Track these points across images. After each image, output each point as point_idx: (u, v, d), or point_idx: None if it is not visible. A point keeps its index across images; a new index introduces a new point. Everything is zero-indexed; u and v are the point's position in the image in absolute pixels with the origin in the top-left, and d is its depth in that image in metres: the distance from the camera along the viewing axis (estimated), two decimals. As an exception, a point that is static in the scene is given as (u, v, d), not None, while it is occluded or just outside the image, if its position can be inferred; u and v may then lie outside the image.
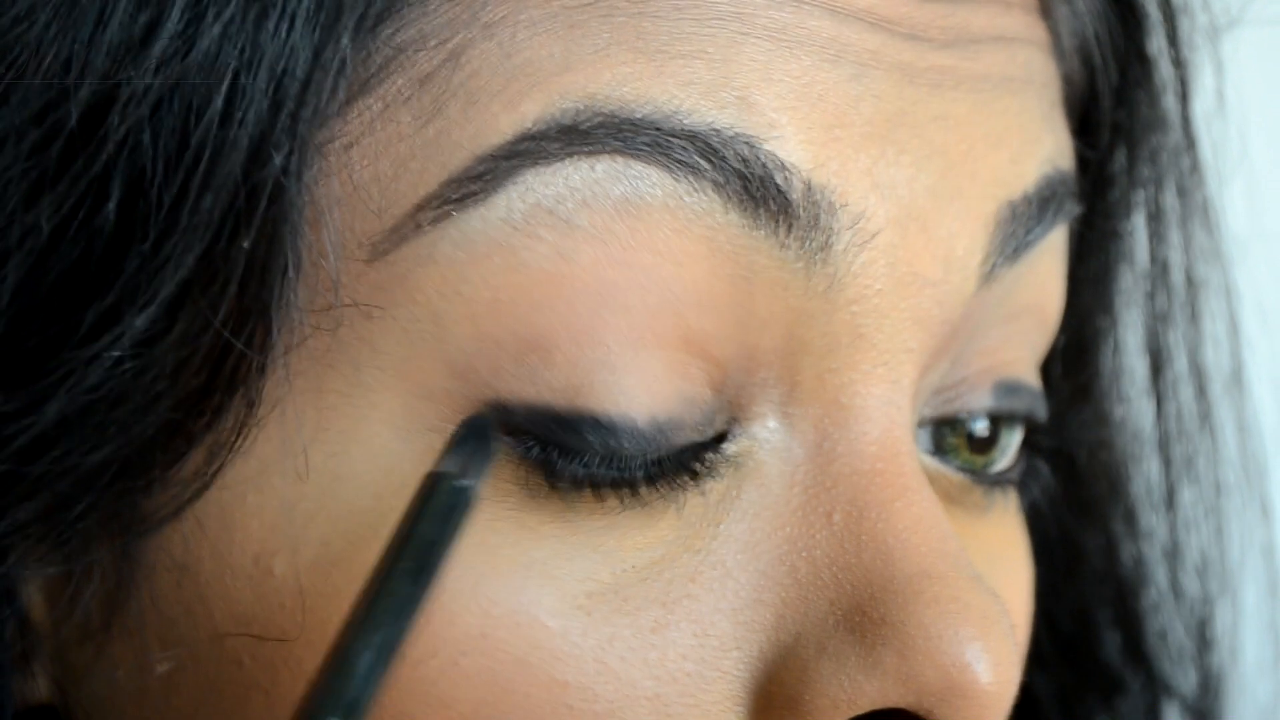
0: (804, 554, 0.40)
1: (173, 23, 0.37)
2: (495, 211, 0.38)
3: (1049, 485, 0.55)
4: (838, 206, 0.39)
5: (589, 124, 0.37)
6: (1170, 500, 0.56)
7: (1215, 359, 0.56)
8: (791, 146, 0.39)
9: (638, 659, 0.39)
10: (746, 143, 0.38)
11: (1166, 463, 0.55)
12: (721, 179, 0.38)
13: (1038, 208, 0.43)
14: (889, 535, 0.40)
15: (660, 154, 0.38)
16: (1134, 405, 0.55)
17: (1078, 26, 0.47)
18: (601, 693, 0.38)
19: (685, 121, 0.38)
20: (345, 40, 0.37)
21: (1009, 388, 0.45)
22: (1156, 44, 0.49)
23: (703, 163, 0.38)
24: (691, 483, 0.40)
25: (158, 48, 0.37)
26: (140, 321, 0.37)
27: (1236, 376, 0.56)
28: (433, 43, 0.38)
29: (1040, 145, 0.43)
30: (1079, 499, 0.56)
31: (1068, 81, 0.47)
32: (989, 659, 0.39)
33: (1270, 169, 0.55)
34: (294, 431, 0.38)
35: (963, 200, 0.41)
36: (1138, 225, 0.52)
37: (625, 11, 0.38)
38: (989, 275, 0.42)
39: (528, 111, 0.37)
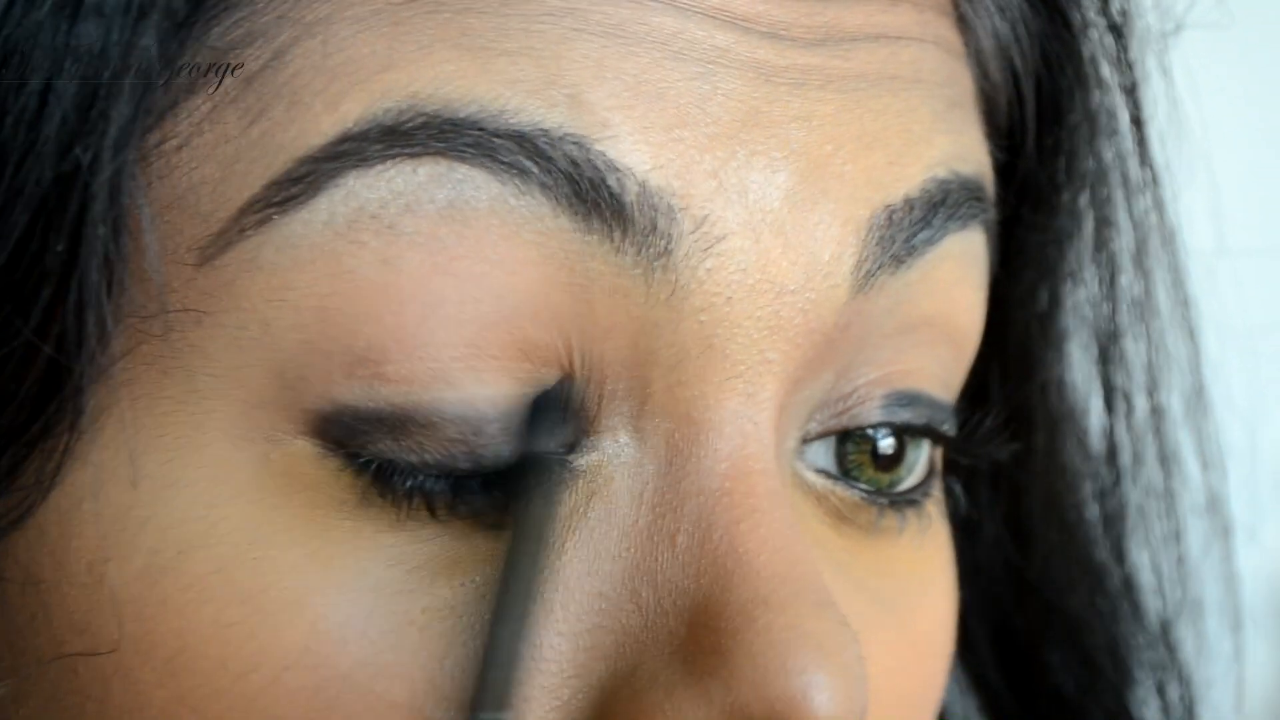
0: (647, 578, 0.38)
1: None
2: (318, 215, 0.37)
3: (990, 506, 0.53)
4: (677, 210, 0.37)
5: (411, 124, 0.36)
6: (1125, 527, 0.54)
7: (1173, 380, 0.54)
8: (626, 147, 0.37)
9: (471, 682, 0.37)
10: (576, 143, 0.37)
11: (1117, 484, 0.53)
12: (550, 181, 0.37)
13: (923, 212, 0.41)
14: (729, 558, 0.38)
15: (485, 156, 0.36)
16: (1083, 424, 0.53)
17: (995, 27, 0.45)
18: (433, 715, 0.37)
19: (511, 121, 0.36)
20: (153, 39, 0.36)
21: (904, 398, 0.43)
22: (1090, 46, 0.47)
23: (530, 164, 0.37)
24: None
25: None
26: None
27: (1196, 396, 0.54)
28: (259, 42, 0.37)
29: (928, 147, 0.41)
30: (1027, 521, 0.54)
31: (986, 83, 0.45)
32: (822, 694, 0.37)
33: (1225, 181, 0.53)
34: (129, 439, 0.37)
35: (828, 204, 0.39)
36: (1083, 239, 0.50)
37: (450, 8, 0.37)
38: (866, 283, 0.40)
39: (349, 111, 0.36)
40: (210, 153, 0.37)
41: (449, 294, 0.37)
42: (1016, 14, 0.46)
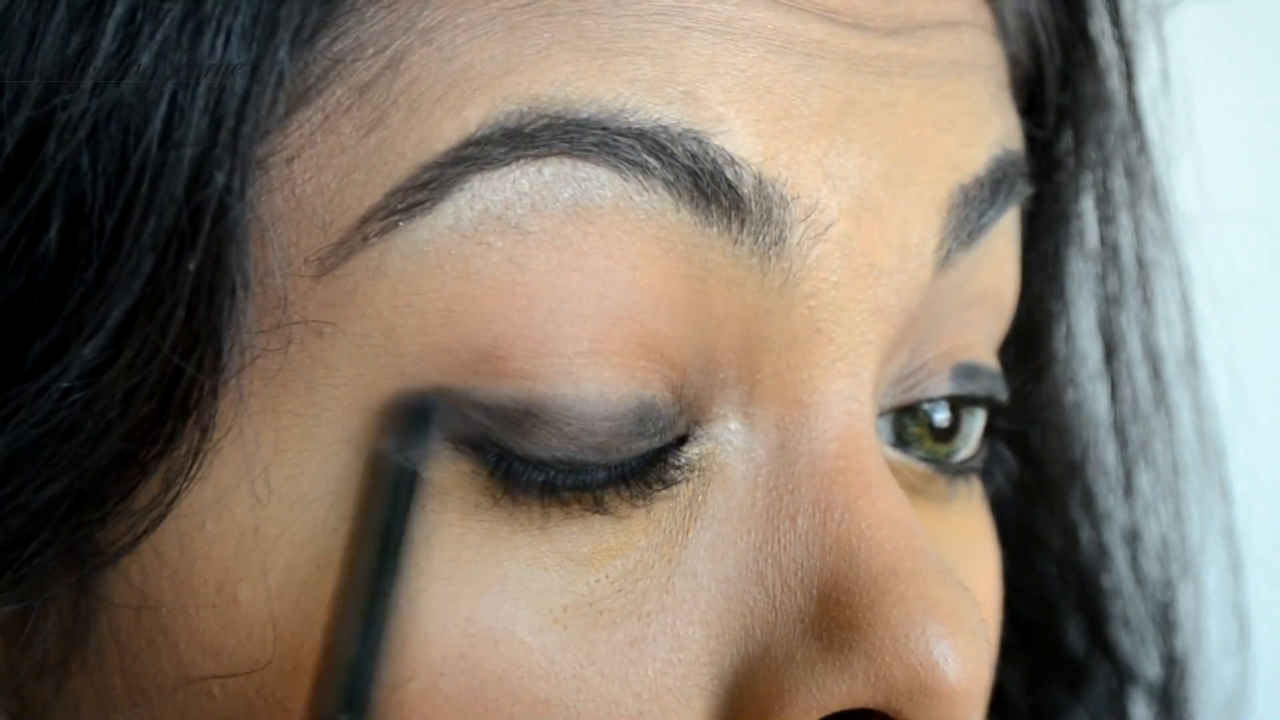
0: (771, 560, 0.39)
1: (107, 43, 0.36)
2: (443, 220, 0.37)
3: (1011, 468, 0.54)
4: (790, 199, 0.38)
5: (534, 126, 0.37)
6: (1128, 483, 0.56)
7: (1169, 340, 0.55)
8: (740, 140, 0.38)
9: (617, 675, 0.38)
10: (695, 138, 0.37)
11: (1123, 445, 0.55)
12: (671, 176, 0.37)
13: (989, 190, 0.42)
14: (853, 535, 0.39)
15: (608, 154, 0.37)
16: (1088, 388, 0.55)
17: (1021, 7, 0.47)
18: (584, 710, 0.38)
19: (632, 119, 0.37)
20: (283, 54, 0.36)
21: (968, 371, 0.44)
22: (1099, 25, 0.49)
23: (651, 161, 0.37)
24: (657, 488, 0.39)
25: (92, 70, 0.36)
26: (88, 351, 0.36)
27: (1191, 357, 0.56)
28: (370, 51, 0.37)
29: (989, 127, 0.42)
30: (1036, 484, 0.55)
31: (1014, 63, 0.47)
32: (957, 656, 0.38)
33: (1217, 148, 0.55)
34: (251, 455, 0.37)
35: (915, 186, 0.40)
36: (1086, 207, 0.52)
37: (565, 10, 0.37)
38: (945, 261, 0.41)
39: (471, 117, 0.37)
40: (325, 163, 0.37)
41: (575, 290, 0.37)
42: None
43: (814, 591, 0.39)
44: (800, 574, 0.39)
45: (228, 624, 0.38)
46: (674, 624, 0.39)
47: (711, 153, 0.38)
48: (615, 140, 0.37)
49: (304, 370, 0.37)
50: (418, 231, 0.37)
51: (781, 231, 0.38)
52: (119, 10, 0.36)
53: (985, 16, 0.44)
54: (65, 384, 0.36)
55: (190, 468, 0.37)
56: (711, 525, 0.39)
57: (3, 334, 0.36)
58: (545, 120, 0.37)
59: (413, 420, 0.37)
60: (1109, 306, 0.54)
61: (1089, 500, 0.56)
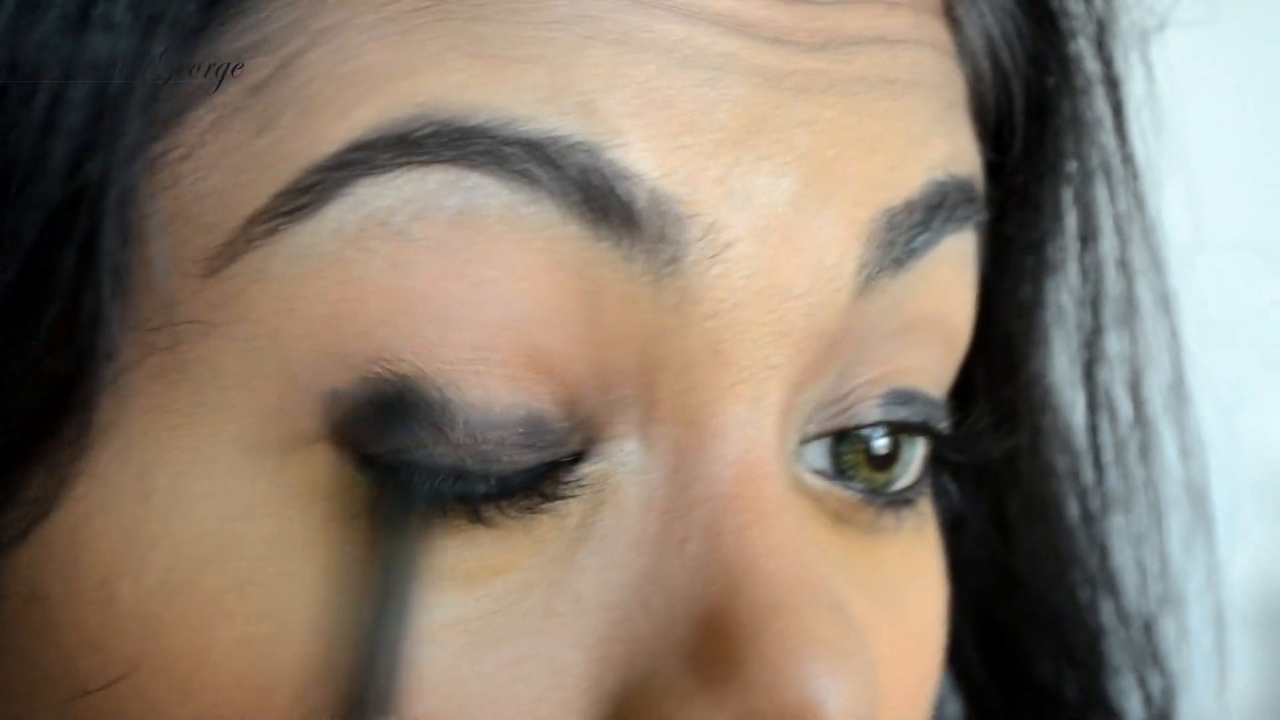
0: (658, 585, 0.38)
1: None
2: (327, 225, 0.36)
3: (974, 502, 0.53)
4: (686, 217, 0.37)
5: (422, 133, 0.36)
6: (1109, 520, 0.54)
7: (1154, 373, 0.54)
8: (635, 154, 0.37)
9: (490, 697, 0.37)
10: (586, 151, 0.37)
11: (1102, 481, 0.54)
12: (560, 189, 0.37)
13: (923, 214, 0.41)
14: (740, 565, 0.38)
15: (495, 164, 0.36)
16: (1066, 419, 0.53)
17: (986, 27, 0.45)
18: None
19: (522, 129, 0.36)
20: (166, 48, 0.35)
21: (901, 397, 0.43)
22: (1077, 45, 0.48)
23: (540, 172, 0.36)
24: (545, 506, 0.38)
25: None
26: None
27: (1177, 390, 0.54)
28: (265, 50, 0.36)
29: (927, 149, 0.41)
30: (1010, 517, 0.54)
31: (977, 83, 0.45)
32: (835, 698, 0.37)
33: (1208, 175, 0.53)
34: (137, 452, 0.37)
35: (833, 208, 0.39)
36: (1068, 234, 0.50)
37: (461, 16, 0.37)
38: (867, 285, 0.40)
39: (359, 121, 0.36)
40: (216, 163, 0.37)
41: (460, 298, 0.37)
42: (1006, 13, 0.46)
43: (697, 621, 0.38)
44: (686, 602, 0.38)
45: (107, 620, 0.37)
46: (554, 648, 0.38)
47: (603, 166, 0.37)
48: (503, 150, 0.36)
49: (192, 370, 0.37)
50: (301, 235, 0.36)
51: (677, 250, 0.37)
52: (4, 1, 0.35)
53: (935, 34, 0.43)
54: None
55: (75, 461, 0.37)
56: (601, 547, 0.38)
57: None
58: (433, 127, 0.36)
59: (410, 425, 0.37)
60: (1090, 336, 0.52)
61: (1067, 535, 0.54)
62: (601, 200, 0.37)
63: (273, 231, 0.36)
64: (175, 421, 0.37)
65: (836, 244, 0.39)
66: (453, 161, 0.36)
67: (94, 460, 0.37)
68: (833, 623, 0.38)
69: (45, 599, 0.38)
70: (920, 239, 0.41)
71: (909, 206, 0.40)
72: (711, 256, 0.38)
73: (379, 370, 0.37)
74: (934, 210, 0.41)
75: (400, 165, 0.36)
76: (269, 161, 0.36)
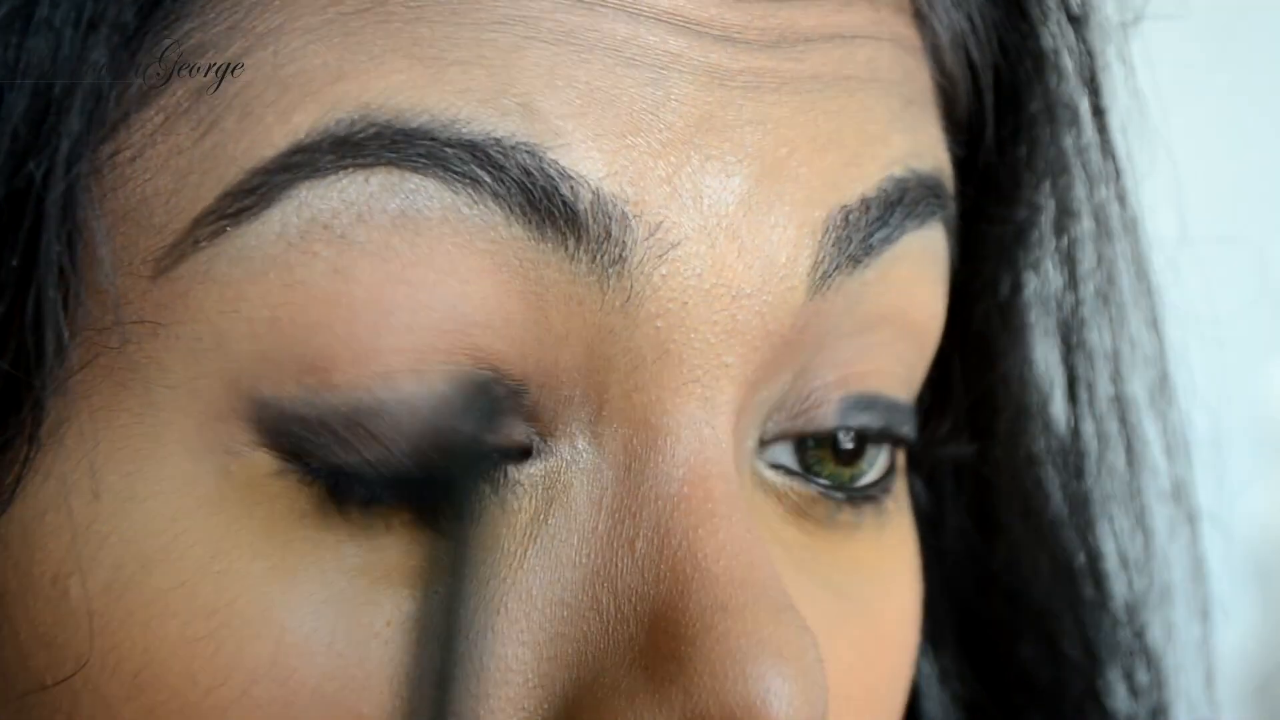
0: (607, 584, 0.38)
1: None
2: (270, 227, 0.37)
3: (954, 497, 0.53)
4: (631, 217, 0.37)
5: (362, 135, 0.36)
6: (1090, 512, 0.54)
7: (1137, 370, 0.54)
8: (579, 155, 0.37)
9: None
10: (529, 152, 0.37)
11: (1082, 473, 0.54)
12: (502, 191, 0.37)
13: (879, 211, 0.41)
14: (688, 564, 0.38)
15: (436, 166, 0.36)
16: (1046, 414, 0.53)
17: (953, 21, 0.45)
18: None
19: (463, 131, 0.36)
20: (103, 51, 0.36)
21: (862, 402, 0.43)
22: (1051, 38, 0.47)
23: (482, 174, 0.37)
24: (496, 505, 0.38)
25: None
26: None
27: (1161, 388, 0.54)
28: (210, 53, 0.37)
29: (885, 146, 0.41)
30: (991, 512, 0.54)
31: (945, 78, 0.45)
32: (780, 699, 0.37)
33: (1187, 171, 0.53)
34: (89, 451, 0.37)
35: (783, 207, 0.39)
36: (1044, 230, 0.50)
37: (401, 18, 0.37)
38: (823, 284, 0.40)
39: (300, 123, 0.36)
40: (163, 164, 0.37)
41: (401, 302, 0.37)
42: (973, 6, 0.45)
43: (645, 620, 0.38)
44: (634, 601, 0.38)
45: (59, 617, 0.38)
46: (503, 645, 0.38)
47: (546, 167, 0.37)
48: (444, 151, 0.36)
49: (141, 370, 0.37)
50: (245, 238, 0.37)
51: (622, 250, 0.38)
52: None
53: (896, 29, 0.42)
54: None
55: (25, 459, 0.37)
56: (551, 546, 0.39)
57: None
58: (374, 129, 0.36)
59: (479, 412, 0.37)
60: (1071, 331, 0.52)
61: (1049, 532, 0.54)
62: (544, 201, 0.37)
63: (218, 233, 0.36)
64: (124, 421, 0.37)
65: (788, 243, 0.39)
66: (394, 164, 0.36)
67: (48, 459, 0.37)
68: (779, 624, 0.38)
69: (2, 596, 0.38)
70: (878, 235, 0.41)
71: (865, 203, 0.40)
72: (658, 256, 0.38)
73: (317, 378, 0.37)
74: (892, 207, 0.41)
75: (342, 168, 0.36)
76: (213, 163, 0.37)
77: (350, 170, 0.36)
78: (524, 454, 0.39)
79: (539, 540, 0.39)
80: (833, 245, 0.40)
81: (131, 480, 0.37)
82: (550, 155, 0.37)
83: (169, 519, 0.37)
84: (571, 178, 0.37)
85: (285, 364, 0.37)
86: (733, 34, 0.39)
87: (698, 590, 0.38)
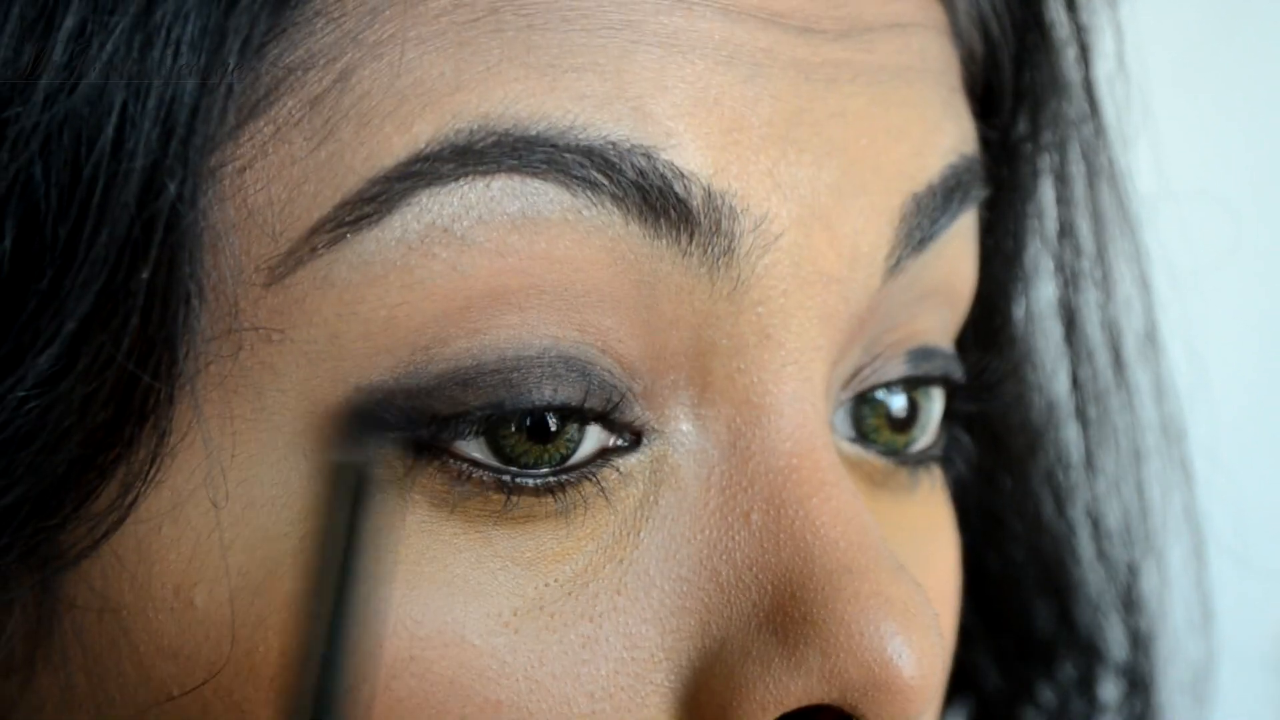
0: (724, 556, 0.40)
1: (58, 55, 0.36)
2: (390, 233, 0.37)
3: (970, 452, 0.54)
4: (739, 211, 0.39)
5: (483, 143, 0.37)
6: (1090, 464, 0.56)
7: (1128, 320, 0.55)
8: (690, 154, 0.38)
9: (570, 676, 0.38)
10: (644, 154, 0.38)
11: (1084, 426, 0.55)
12: (620, 192, 0.38)
13: (942, 198, 0.42)
14: (807, 532, 0.39)
15: (557, 171, 0.37)
16: (1048, 369, 0.55)
17: (976, 1, 0.47)
18: (536, 711, 0.38)
19: (580, 136, 0.37)
20: (231, 64, 0.36)
21: (922, 354, 0.45)
22: (1054, 10, 0.49)
23: (600, 177, 0.38)
24: (607, 490, 0.39)
25: (44, 81, 0.36)
26: (43, 361, 0.36)
27: (1150, 337, 0.56)
28: (320, 63, 0.37)
29: (942, 134, 0.43)
30: (997, 466, 0.56)
31: (968, 58, 0.47)
32: (912, 653, 0.39)
33: (1173, 130, 0.55)
34: (210, 459, 0.38)
35: (866, 196, 0.41)
36: (1044, 190, 0.52)
37: (514, 26, 0.38)
38: (895, 268, 0.42)
39: (420, 133, 0.37)
40: (276, 174, 0.37)
41: (515, 288, 0.38)
42: None
43: (768, 587, 0.39)
44: (754, 569, 0.39)
45: (185, 627, 0.38)
46: (627, 624, 0.39)
47: (660, 168, 0.38)
48: (564, 157, 0.37)
49: (253, 376, 0.38)
50: (364, 244, 0.37)
51: (730, 242, 0.39)
52: (69, 22, 0.36)
53: (934, 15, 0.44)
54: (21, 393, 0.36)
55: (148, 472, 0.37)
56: (664, 525, 0.40)
57: None
58: (494, 137, 0.37)
59: (359, 423, 0.37)
60: (1068, 287, 0.54)
61: (1051, 480, 0.56)
62: (660, 200, 0.38)
63: (337, 239, 0.37)
64: (239, 427, 0.38)
65: (871, 231, 0.41)
66: (515, 169, 0.37)
67: (165, 471, 0.38)
68: (901, 583, 0.39)
69: (118, 610, 0.38)
70: (941, 221, 0.42)
71: (931, 191, 0.42)
72: (763, 246, 0.39)
73: (426, 354, 0.37)
74: (952, 192, 0.43)
75: (463, 174, 0.37)
76: (330, 172, 0.37)
77: (471, 177, 0.37)
78: (635, 441, 0.40)
79: (651, 520, 0.40)
80: (905, 233, 0.42)
81: (249, 486, 0.38)
82: (664, 156, 0.38)
83: (290, 521, 0.38)
84: (684, 176, 0.38)
85: (399, 353, 0.37)
86: (811, 24, 0.40)
87: (820, 555, 0.39)
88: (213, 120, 0.36)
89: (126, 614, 0.38)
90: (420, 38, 0.37)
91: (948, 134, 0.43)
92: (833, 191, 0.40)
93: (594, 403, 0.39)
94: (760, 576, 0.39)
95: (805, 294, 0.40)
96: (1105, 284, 0.54)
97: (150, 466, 0.37)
